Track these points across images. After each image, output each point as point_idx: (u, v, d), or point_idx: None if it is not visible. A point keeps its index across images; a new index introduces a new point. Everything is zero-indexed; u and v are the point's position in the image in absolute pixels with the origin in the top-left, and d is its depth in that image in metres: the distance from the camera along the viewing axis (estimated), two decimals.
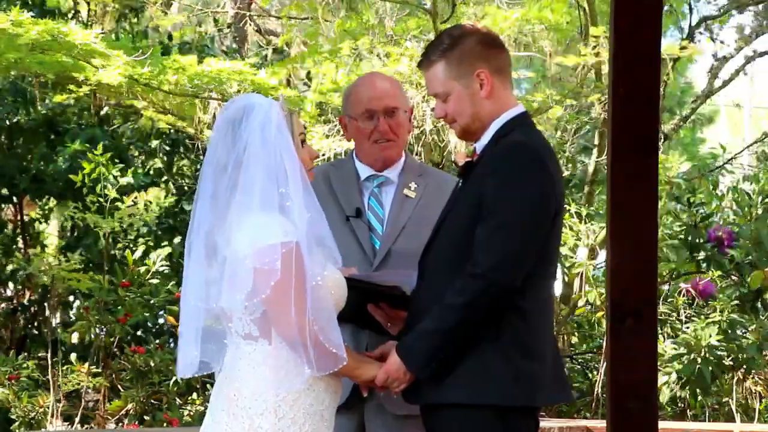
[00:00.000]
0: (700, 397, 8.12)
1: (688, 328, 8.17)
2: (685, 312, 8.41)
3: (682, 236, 8.02)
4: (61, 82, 9.20)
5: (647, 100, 3.97)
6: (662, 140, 9.66)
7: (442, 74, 3.57)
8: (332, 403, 3.45)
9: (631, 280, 4.00)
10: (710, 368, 7.77)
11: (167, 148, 11.28)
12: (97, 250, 10.13)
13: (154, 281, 9.59)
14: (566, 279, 9.38)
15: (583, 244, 8.90)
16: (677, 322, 8.40)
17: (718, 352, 7.86)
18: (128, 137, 10.99)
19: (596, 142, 10.34)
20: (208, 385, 8.75)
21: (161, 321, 9.95)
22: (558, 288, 9.36)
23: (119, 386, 9.01)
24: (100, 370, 8.99)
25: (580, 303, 9.30)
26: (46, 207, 11.17)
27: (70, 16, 10.78)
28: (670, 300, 8.52)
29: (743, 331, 8.04)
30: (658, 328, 8.10)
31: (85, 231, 10.36)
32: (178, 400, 8.97)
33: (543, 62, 10.84)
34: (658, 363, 7.65)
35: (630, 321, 3.97)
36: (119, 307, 9.09)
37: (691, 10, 10.56)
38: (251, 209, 3.32)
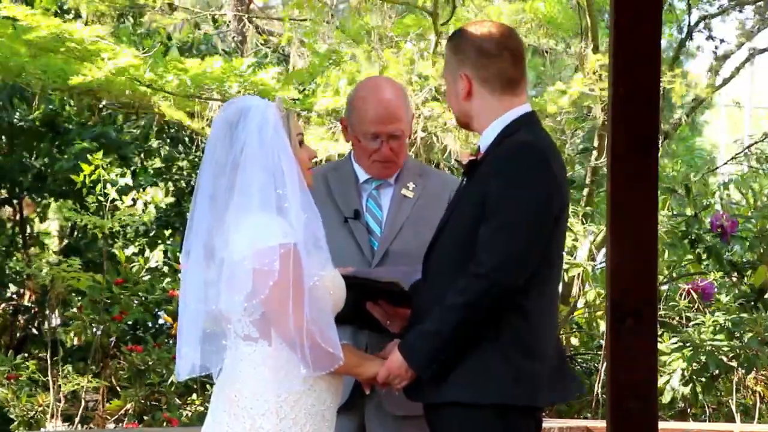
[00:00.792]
0: (700, 397, 8.11)
1: (689, 328, 8.17)
2: (686, 313, 8.40)
3: (683, 228, 8.00)
4: (62, 86, 9.20)
5: (647, 100, 3.97)
6: (662, 140, 9.66)
7: (446, 63, 3.69)
8: (333, 403, 3.45)
9: (631, 280, 3.99)
10: (714, 362, 7.76)
11: (167, 148, 11.28)
12: (97, 251, 10.13)
13: (147, 277, 9.61)
14: (566, 279, 9.38)
15: (582, 244, 8.90)
16: (679, 325, 8.40)
17: (721, 352, 7.85)
18: (131, 137, 10.99)
19: (596, 143, 10.34)
20: (207, 386, 8.75)
21: (160, 321, 9.96)
22: (558, 288, 9.35)
23: (118, 386, 9.01)
24: (98, 371, 8.99)
25: (580, 303, 9.30)
26: (43, 205, 11.17)
27: (71, 16, 10.77)
28: (672, 303, 8.51)
29: (744, 330, 8.04)
30: (661, 329, 8.13)
31: (84, 231, 10.36)
32: (177, 400, 8.97)
33: (543, 63, 10.84)
34: (660, 362, 7.69)
35: (630, 321, 3.97)
36: (115, 306, 9.10)
37: (690, 8, 10.56)
38: (249, 210, 3.32)
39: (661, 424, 4.48)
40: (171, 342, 9.33)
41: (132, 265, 9.71)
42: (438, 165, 9.26)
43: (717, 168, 11.27)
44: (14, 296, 10.94)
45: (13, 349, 9.71)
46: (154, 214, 10.16)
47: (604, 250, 8.64)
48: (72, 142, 10.36)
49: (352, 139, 4.17)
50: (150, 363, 8.75)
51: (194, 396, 9.17)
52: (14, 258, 10.47)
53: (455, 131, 8.97)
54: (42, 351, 9.56)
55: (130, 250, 10.33)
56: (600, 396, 8.49)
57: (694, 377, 7.93)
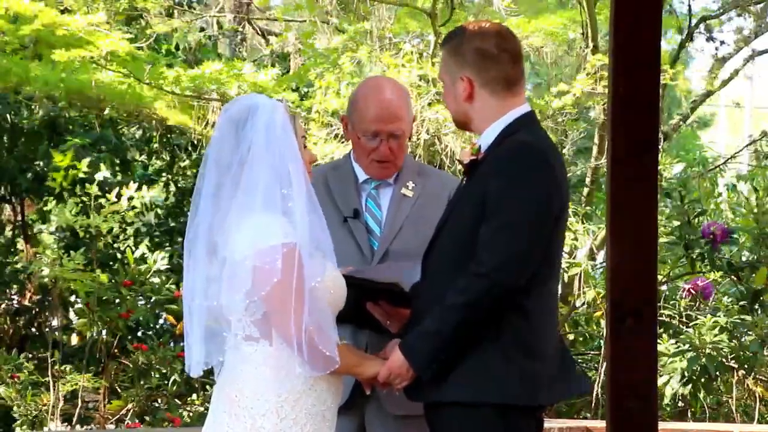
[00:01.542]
0: (701, 396, 8.12)
1: (689, 329, 8.18)
2: (686, 313, 8.41)
3: (677, 233, 8.02)
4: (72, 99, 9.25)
5: (647, 104, 3.98)
6: (662, 141, 9.66)
7: (442, 64, 3.67)
8: (334, 403, 3.45)
9: (631, 280, 4.01)
10: (714, 364, 7.77)
11: (169, 149, 11.29)
12: (97, 251, 10.14)
13: (155, 280, 9.61)
14: (566, 279, 9.38)
15: (582, 244, 8.91)
16: (680, 325, 8.41)
17: (721, 354, 7.86)
18: (130, 139, 11.00)
19: (596, 143, 10.34)
20: (207, 386, 8.76)
21: (161, 321, 9.96)
22: (558, 287, 9.35)
23: (118, 387, 9.02)
24: (100, 370, 9.00)
25: (579, 303, 9.31)
26: (44, 208, 11.17)
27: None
28: (672, 302, 8.52)
29: (745, 330, 8.05)
30: (661, 329, 8.14)
31: (84, 231, 10.37)
32: (177, 400, 8.98)
33: (545, 65, 10.85)
34: (660, 363, 7.70)
35: (630, 321, 3.98)
36: (121, 305, 9.11)
37: (690, 10, 10.56)
38: (253, 209, 3.33)
39: (661, 424, 4.49)
40: (173, 342, 9.35)
41: (141, 266, 9.71)
42: (440, 167, 9.28)
43: (717, 167, 11.25)
44: (15, 297, 10.94)
45: (16, 348, 9.71)
46: (154, 213, 10.16)
47: (604, 251, 8.65)
48: (66, 141, 10.36)
49: (352, 137, 4.18)
50: (154, 362, 8.76)
51: (195, 396, 9.18)
52: (14, 258, 10.47)
53: (458, 133, 8.99)
54: (42, 351, 9.57)
55: (139, 251, 10.32)
56: (600, 396, 8.50)
57: (694, 377, 7.94)
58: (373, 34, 9.80)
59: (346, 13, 10.86)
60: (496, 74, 3.55)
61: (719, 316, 8.01)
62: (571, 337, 9.46)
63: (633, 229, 4.02)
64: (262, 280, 3.27)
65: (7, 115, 10.46)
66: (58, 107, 10.47)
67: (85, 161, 9.80)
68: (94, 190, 9.56)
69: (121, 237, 10.41)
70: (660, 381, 7.73)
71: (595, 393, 8.58)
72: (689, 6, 10.42)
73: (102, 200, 9.66)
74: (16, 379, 8.76)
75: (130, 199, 9.78)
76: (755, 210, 8.00)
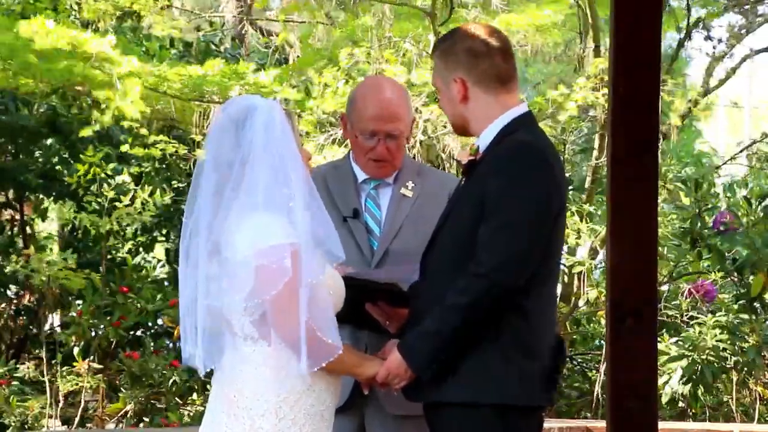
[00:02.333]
0: (701, 396, 8.13)
1: (691, 328, 8.19)
2: (687, 314, 8.42)
3: (687, 226, 8.00)
4: (71, 92, 9.25)
5: (647, 104, 3.98)
6: (660, 140, 9.64)
7: (435, 69, 3.68)
8: (332, 403, 3.45)
9: (631, 279, 4.00)
10: (715, 363, 7.78)
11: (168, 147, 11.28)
12: (96, 251, 10.15)
13: (152, 286, 9.62)
14: (566, 278, 9.40)
15: (582, 243, 8.92)
16: (681, 324, 8.42)
17: (721, 352, 7.87)
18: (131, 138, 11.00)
19: (596, 143, 10.35)
20: (207, 386, 8.76)
21: (159, 322, 9.96)
22: (558, 288, 9.37)
23: (118, 387, 9.02)
24: (98, 371, 9.00)
25: (581, 303, 9.32)
26: (42, 207, 11.19)
27: (73, 17, 10.79)
28: (674, 303, 8.53)
29: (744, 334, 8.05)
30: (662, 330, 8.15)
31: (84, 231, 10.38)
32: (177, 400, 8.99)
33: (543, 62, 10.85)
34: (661, 363, 7.70)
35: (630, 321, 3.97)
36: (115, 311, 9.12)
37: (689, 9, 10.56)
38: (254, 209, 3.32)
39: (661, 424, 4.48)
40: (171, 346, 9.35)
41: (139, 272, 9.72)
42: (439, 167, 9.27)
43: (718, 167, 11.26)
44: (14, 297, 10.95)
45: (12, 350, 9.72)
46: (151, 213, 10.16)
47: (604, 251, 8.66)
48: (71, 141, 10.37)
49: (351, 136, 4.18)
50: (147, 370, 8.75)
51: (194, 396, 9.19)
52: (14, 258, 10.48)
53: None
54: (40, 352, 9.58)
55: (138, 258, 10.33)
56: (600, 396, 8.51)
57: (694, 377, 7.94)
58: (371, 33, 9.79)
59: (345, 12, 10.86)
60: (487, 71, 3.56)
61: (720, 316, 8.01)
62: (571, 337, 9.47)
63: (633, 228, 4.02)
64: (269, 280, 3.26)
65: (9, 114, 10.47)
66: (58, 104, 10.47)
67: (111, 165, 9.84)
68: (111, 192, 9.58)
69: (121, 236, 10.41)
70: (660, 381, 7.73)
71: (595, 393, 8.59)
72: (688, 5, 10.42)
73: (116, 203, 9.67)
74: (4, 385, 8.76)
75: (133, 199, 9.79)
76: (755, 211, 8.01)
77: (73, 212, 10.32)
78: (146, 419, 8.76)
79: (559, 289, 9.38)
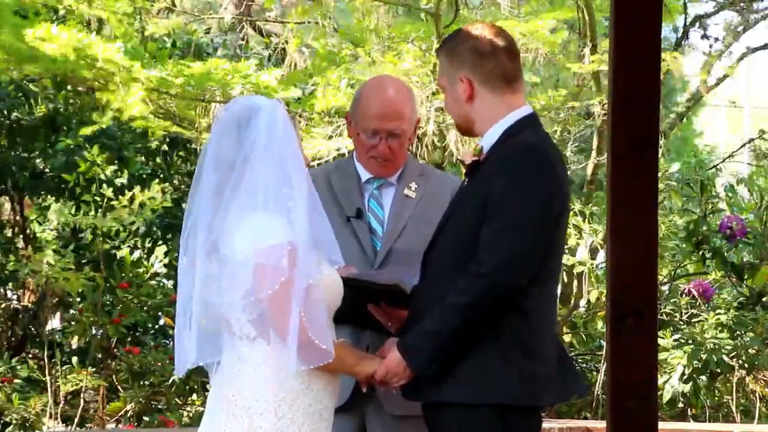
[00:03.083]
0: (701, 397, 8.12)
1: (691, 327, 8.18)
2: (687, 313, 8.41)
3: (691, 228, 7.97)
4: (72, 84, 9.25)
5: (647, 101, 3.98)
6: (660, 139, 9.62)
7: (440, 69, 3.68)
8: (331, 402, 3.45)
9: (632, 278, 4.00)
10: (715, 360, 7.76)
11: (166, 148, 11.27)
12: (94, 250, 10.14)
13: (152, 282, 9.61)
14: (566, 279, 9.38)
15: (583, 243, 8.91)
16: (681, 323, 8.41)
17: (722, 351, 7.86)
18: (128, 138, 10.98)
19: (595, 142, 10.34)
20: (207, 386, 8.75)
21: (161, 322, 9.95)
22: (558, 288, 9.35)
23: (118, 387, 9.01)
24: (98, 371, 8.99)
25: (582, 303, 9.31)
26: (43, 206, 11.17)
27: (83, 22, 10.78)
28: (673, 300, 8.52)
29: (746, 330, 8.04)
30: (663, 328, 8.14)
31: (83, 231, 10.37)
32: (177, 400, 8.98)
33: (543, 63, 10.84)
34: (661, 357, 7.70)
35: (630, 320, 3.97)
36: (115, 309, 9.11)
37: (686, 7, 10.57)
38: (255, 209, 3.32)
39: (661, 424, 4.48)
40: (170, 343, 9.33)
41: (138, 269, 9.71)
42: (440, 166, 9.28)
43: (717, 165, 11.25)
44: (13, 297, 10.94)
45: (12, 350, 9.71)
46: (150, 215, 10.14)
47: (604, 250, 8.65)
48: (61, 140, 10.35)
49: (354, 134, 4.18)
50: (147, 365, 8.74)
51: (194, 396, 9.18)
52: (13, 258, 10.46)
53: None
54: (41, 351, 9.57)
55: (136, 254, 10.32)
56: (600, 396, 8.49)
57: (695, 375, 7.93)
58: (374, 34, 9.79)
59: (347, 13, 10.86)
60: (493, 70, 3.55)
61: (720, 314, 8.00)
62: (571, 337, 9.46)
63: (633, 225, 4.02)
64: (267, 279, 3.27)
65: (6, 110, 10.45)
66: (58, 101, 10.46)
67: (111, 168, 9.85)
68: (108, 192, 9.57)
69: (121, 236, 10.40)
70: (660, 380, 7.72)
71: (595, 393, 8.58)
72: (685, 4, 10.43)
73: (114, 202, 9.66)
74: (6, 383, 8.75)
75: (131, 199, 9.79)
76: (757, 209, 7.99)
77: (71, 212, 10.30)
78: (146, 418, 8.75)
79: (559, 289, 9.38)
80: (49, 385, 8.76)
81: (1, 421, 8.57)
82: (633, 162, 3.97)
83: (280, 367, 3.33)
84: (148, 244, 10.61)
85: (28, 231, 11.19)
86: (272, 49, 12.06)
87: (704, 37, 10.61)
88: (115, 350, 9.23)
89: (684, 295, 8.36)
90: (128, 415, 8.79)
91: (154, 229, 10.63)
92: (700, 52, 10.92)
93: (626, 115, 3.99)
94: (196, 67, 9.21)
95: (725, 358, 7.89)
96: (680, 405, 8.35)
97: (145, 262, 10.01)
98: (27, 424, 8.55)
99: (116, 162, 10.33)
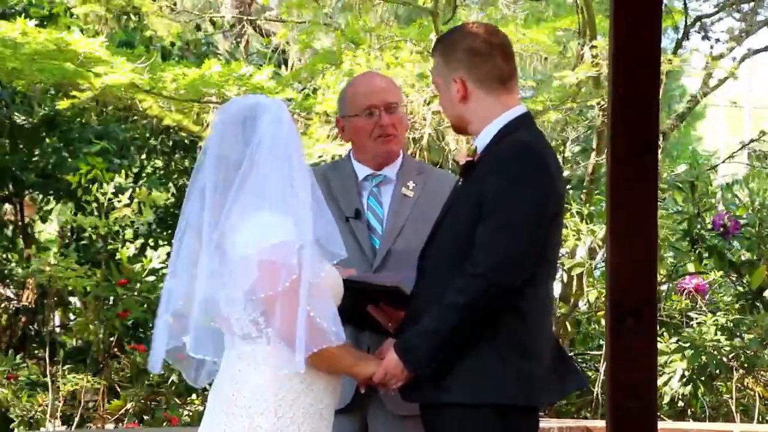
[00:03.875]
0: (700, 396, 8.12)
1: (689, 328, 8.18)
2: (686, 312, 8.42)
3: (685, 227, 7.99)
4: (63, 89, 9.22)
5: (647, 104, 3.98)
6: (660, 140, 9.63)
7: (435, 68, 3.68)
8: (331, 402, 3.45)
9: (631, 279, 4.01)
10: (714, 361, 7.77)
11: (167, 148, 11.29)
12: (95, 251, 10.15)
13: (151, 278, 9.60)
14: (565, 279, 9.39)
15: (583, 243, 8.91)
16: (680, 323, 8.41)
17: (722, 352, 7.87)
18: (130, 137, 11.00)
19: (594, 143, 10.34)
20: (207, 385, 8.74)
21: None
22: (558, 288, 9.37)
23: (118, 386, 9.02)
24: (98, 370, 8.99)
25: (580, 303, 9.31)
26: (46, 208, 11.18)
27: (71, 19, 10.78)
28: (675, 301, 8.52)
29: (745, 329, 8.05)
30: (662, 329, 8.15)
31: (83, 231, 10.38)
32: (177, 399, 8.98)
33: (540, 63, 10.84)
34: (661, 360, 7.70)
35: (630, 321, 3.98)
36: (117, 305, 9.11)
37: (686, 9, 10.56)
38: (260, 208, 3.32)
39: (661, 424, 4.50)
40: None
41: (134, 265, 9.70)
42: (438, 166, 9.27)
43: (716, 166, 11.26)
44: (14, 296, 10.94)
45: (13, 349, 9.71)
46: (151, 215, 10.14)
47: (604, 251, 8.66)
48: (73, 142, 10.36)
49: (351, 129, 4.18)
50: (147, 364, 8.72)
51: (194, 396, 9.18)
52: (14, 258, 10.48)
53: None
54: (41, 351, 9.57)
55: (131, 250, 10.33)
56: (600, 396, 8.50)
57: (694, 377, 7.94)
58: (372, 35, 9.79)
59: (346, 12, 10.86)
60: (488, 71, 3.56)
61: (719, 316, 8.01)
62: (571, 337, 9.46)
63: (633, 229, 4.02)
64: (274, 277, 3.26)
65: (8, 112, 10.47)
66: (58, 103, 10.47)
67: (110, 175, 9.85)
68: (108, 192, 9.57)
69: (120, 237, 10.41)
70: (660, 381, 7.73)
71: (595, 393, 8.58)
72: (685, 4, 10.43)
73: (115, 202, 9.66)
74: (12, 380, 8.76)
75: (131, 199, 9.79)
76: (755, 209, 8.01)
77: (72, 213, 10.31)
78: (147, 417, 8.76)
79: (558, 289, 9.39)
80: (50, 385, 8.77)
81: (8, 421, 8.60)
82: (632, 166, 3.98)
83: (279, 366, 3.33)
84: (150, 243, 10.63)
85: (29, 231, 11.21)
86: (273, 49, 12.06)
87: (705, 38, 10.61)
88: (116, 349, 9.23)
89: (680, 294, 8.37)
90: (129, 413, 8.79)
91: (155, 227, 10.65)
92: (701, 54, 10.91)
93: (626, 119, 4.00)
94: (192, 71, 9.21)
95: (724, 360, 7.90)
96: (680, 405, 8.36)
97: (144, 259, 10.01)
98: (32, 422, 8.56)
99: (118, 161, 10.35)
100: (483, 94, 3.56)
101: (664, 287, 8.77)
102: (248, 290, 3.30)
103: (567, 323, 9.29)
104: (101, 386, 8.89)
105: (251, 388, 3.35)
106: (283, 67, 11.87)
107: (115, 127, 10.52)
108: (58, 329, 10.46)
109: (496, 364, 3.40)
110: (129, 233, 10.51)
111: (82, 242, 10.50)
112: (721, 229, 7.76)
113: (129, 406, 8.79)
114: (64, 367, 9.02)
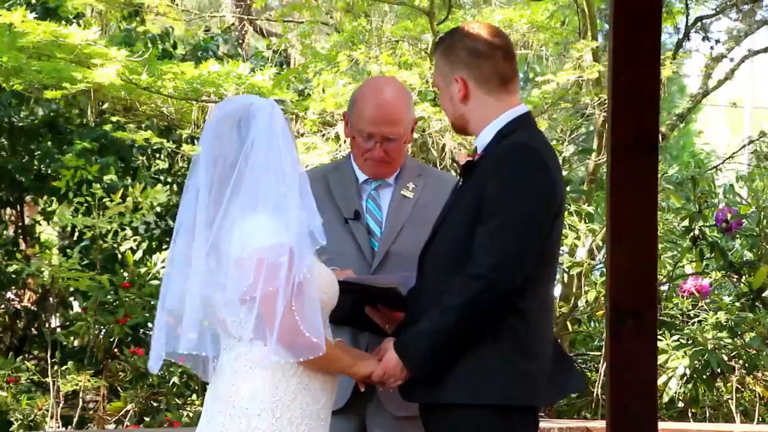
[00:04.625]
0: (701, 397, 8.12)
1: (691, 327, 8.18)
2: (687, 312, 8.41)
3: (686, 224, 7.98)
4: (57, 85, 9.20)
5: (647, 100, 3.97)
6: (660, 140, 9.61)
7: (436, 68, 3.69)
8: (328, 402, 3.46)
9: (631, 281, 3.99)
10: (716, 359, 7.76)
11: (169, 148, 11.28)
12: (96, 251, 10.14)
13: (155, 282, 9.59)
14: (566, 279, 9.37)
15: (583, 243, 8.90)
16: (681, 324, 8.41)
17: (723, 352, 7.86)
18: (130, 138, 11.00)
19: (594, 142, 10.33)
20: (207, 387, 8.73)
21: None
22: (558, 288, 9.36)
23: (118, 387, 9.01)
24: (99, 371, 8.99)
25: (580, 303, 9.30)
26: (48, 209, 11.18)
27: (72, 17, 10.78)
28: (675, 302, 8.52)
29: (746, 329, 8.04)
30: (662, 329, 8.14)
31: (84, 232, 10.38)
32: (177, 401, 8.97)
33: (539, 62, 10.85)
34: (661, 359, 7.69)
35: (630, 321, 3.97)
36: (119, 309, 9.10)
37: (687, 8, 10.56)
38: (254, 209, 3.32)
39: (661, 424, 4.48)
40: None
41: (140, 268, 9.70)
42: (438, 166, 9.26)
43: (717, 165, 11.24)
44: (14, 297, 10.94)
45: (13, 351, 9.71)
46: (152, 215, 10.13)
47: (604, 251, 8.65)
48: (72, 143, 10.36)
49: (350, 135, 4.17)
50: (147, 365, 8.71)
51: (194, 396, 9.18)
52: (15, 259, 10.47)
53: (454, 135, 8.97)
54: (42, 352, 9.56)
55: (138, 254, 10.32)
56: (600, 396, 8.49)
57: (695, 376, 7.93)
58: (371, 33, 9.78)
59: (345, 13, 10.85)
60: (489, 71, 3.56)
61: (720, 315, 8.00)
62: (571, 337, 9.46)
63: (633, 228, 4.00)
64: (267, 278, 3.26)
65: (13, 114, 10.46)
66: (58, 104, 10.47)
67: (96, 167, 9.85)
68: (99, 191, 9.57)
69: (120, 237, 10.40)
70: (660, 381, 7.72)
71: (595, 393, 8.57)
72: (686, 4, 10.42)
73: (107, 201, 9.66)
74: (11, 383, 8.75)
75: (133, 200, 9.79)
76: (760, 206, 8.00)
77: (69, 214, 10.31)
78: (147, 419, 8.75)
79: (558, 289, 9.38)
80: (51, 386, 8.76)
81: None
82: (633, 162, 3.96)
83: (276, 367, 3.33)
84: (153, 244, 10.62)
85: (30, 232, 11.21)
86: (273, 49, 12.06)
87: (705, 38, 10.61)
88: (116, 350, 9.22)
89: (681, 295, 8.36)
90: (129, 414, 8.79)
91: (154, 228, 10.65)
92: (701, 54, 10.90)
93: (626, 117, 3.99)
94: (186, 66, 9.19)
95: (725, 358, 7.90)
96: (680, 405, 8.35)
97: (148, 262, 10.00)
98: (31, 425, 8.55)
99: (120, 164, 10.35)
100: (483, 94, 3.56)
101: (664, 287, 8.76)
102: (244, 292, 3.29)
103: (567, 323, 9.28)
104: (101, 387, 8.88)
105: (248, 389, 3.35)
106: (284, 67, 11.87)
107: (110, 129, 10.51)
108: (58, 329, 10.45)
109: (496, 365, 3.40)
110: (129, 233, 10.51)
111: (83, 243, 10.49)
112: (724, 224, 7.74)
113: (129, 407, 8.78)
114: (63, 368, 9.01)
